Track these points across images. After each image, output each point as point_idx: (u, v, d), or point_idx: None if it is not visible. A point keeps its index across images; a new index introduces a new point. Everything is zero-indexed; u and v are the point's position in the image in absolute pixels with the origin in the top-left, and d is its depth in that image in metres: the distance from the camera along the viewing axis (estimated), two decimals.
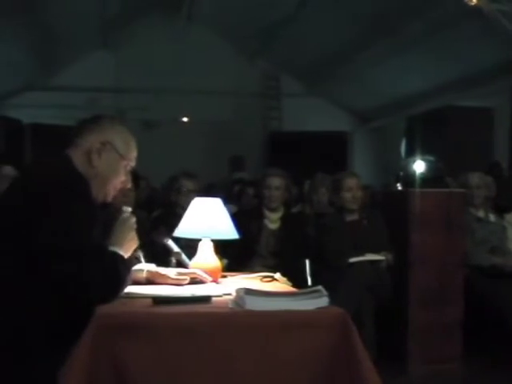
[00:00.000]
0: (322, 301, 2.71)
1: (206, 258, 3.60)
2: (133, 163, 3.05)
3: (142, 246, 3.32)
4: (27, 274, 2.61)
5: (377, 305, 5.58)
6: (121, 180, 3.02)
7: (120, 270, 2.72)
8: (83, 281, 2.58)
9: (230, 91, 13.16)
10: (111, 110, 11.71)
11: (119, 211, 3.12)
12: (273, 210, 5.92)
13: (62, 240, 2.57)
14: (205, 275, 3.46)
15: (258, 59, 13.98)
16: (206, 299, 2.84)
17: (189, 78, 12.72)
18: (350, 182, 5.96)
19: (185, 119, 14.00)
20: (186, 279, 3.39)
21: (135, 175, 3.15)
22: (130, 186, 3.12)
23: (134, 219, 3.05)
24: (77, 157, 2.88)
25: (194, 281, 3.43)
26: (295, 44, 12.37)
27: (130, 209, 3.10)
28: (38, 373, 2.60)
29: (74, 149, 2.91)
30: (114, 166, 2.96)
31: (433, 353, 5.75)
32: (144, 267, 3.38)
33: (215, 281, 3.50)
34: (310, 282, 5.40)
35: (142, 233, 3.15)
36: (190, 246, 3.96)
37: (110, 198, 3.04)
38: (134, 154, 3.05)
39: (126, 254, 2.91)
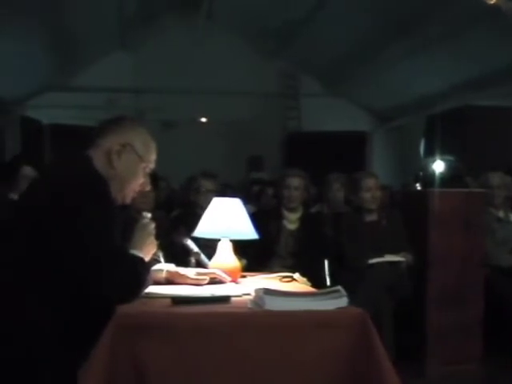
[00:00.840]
0: (342, 301, 2.71)
1: (225, 258, 3.61)
2: (152, 165, 3.05)
3: (162, 247, 3.32)
4: (48, 275, 2.62)
5: (396, 305, 5.57)
6: (139, 182, 3.03)
7: (140, 271, 2.73)
8: (103, 281, 2.60)
9: (248, 91, 13.14)
10: (130, 111, 11.72)
11: (138, 212, 3.13)
12: (291, 210, 5.91)
13: (82, 240, 2.58)
14: (224, 275, 3.47)
15: (276, 59, 13.96)
16: (225, 299, 2.84)
17: (207, 78, 12.73)
18: (369, 182, 5.95)
19: (203, 119, 14.00)
20: (205, 279, 3.39)
21: (154, 176, 3.15)
22: (149, 188, 3.12)
23: (153, 225, 3.06)
24: (97, 157, 2.88)
25: (214, 281, 3.43)
26: (314, 43, 12.35)
27: (149, 214, 3.11)
28: (58, 373, 2.61)
29: (94, 149, 2.91)
30: (134, 168, 2.97)
31: (452, 353, 5.73)
32: (163, 267, 3.38)
33: (234, 281, 3.50)
34: (328, 283, 5.40)
35: (161, 233, 3.15)
36: (209, 246, 3.97)
37: (128, 200, 3.04)
38: (153, 156, 3.05)
39: (146, 259, 2.92)
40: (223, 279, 3.45)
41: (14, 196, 5.51)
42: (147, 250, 2.96)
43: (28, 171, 5.59)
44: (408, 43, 10.03)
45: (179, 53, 12.95)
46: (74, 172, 2.80)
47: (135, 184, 3.01)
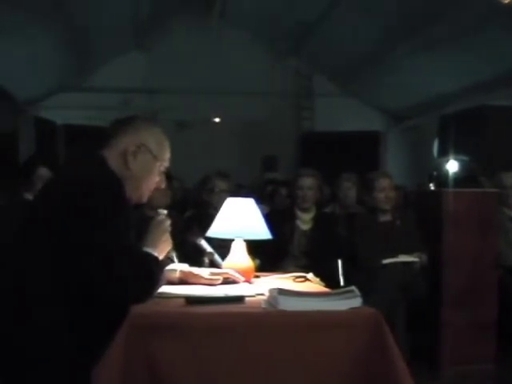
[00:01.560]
0: (356, 301, 2.71)
1: (239, 258, 3.61)
2: (167, 164, 3.06)
3: (175, 246, 3.33)
4: (62, 274, 2.63)
5: (410, 305, 5.56)
6: (155, 181, 3.04)
7: (154, 271, 2.74)
8: (118, 281, 2.60)
9: (262, 91, 13.14)
10: (144, 111, 11.75)
11: (154, 210, 3.14)
12: (305, 210, 5.91)
13: (97, 240, 2.59)
14: (238, 275, 3.47)
15: (290, 59, 13.95)
16: (239, 299, 2.84)
17: (221, 78, 12.73)
18: (383, 182, 5.94)
19: (217, 119, 14.00)
20: (218, 279, 3.40)
21: (168, 175, 3.16)
22: (164, 186, 3.12)
23: (168, 222, 3.07)
24: (111, 157, 2.89)
25: (227, 281, 3.44)
26: (328, 43, 12.34)
27: (165, 211, 3.12)
28: (72, 372, 2.62)
29: (108, 149, 2.92)
30: (149, 167, 2.97)
31: (466, 354, 5.72)
32: (177, 267, 3.39)
33: (248, 281, 3.50)
34: (342, 283, 5.40)
35: (174, 233, 3.16)
36: (222, 246, 3.97)
37: (144, 199, 3.06)
38: (167, 154, 3.06)
39: (160, 256, 2.93)
40: (237, 279, 3.46)
41: (29, 196, 5.53)
42: (162, 247, 2.97)
43: (43, 172, 5.60)
44: (421, 43, 10.01)
45: (193, 53, 12.96)
46: (88, 172, 2.81)
47: (151, 183, 3.02)
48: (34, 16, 8.99)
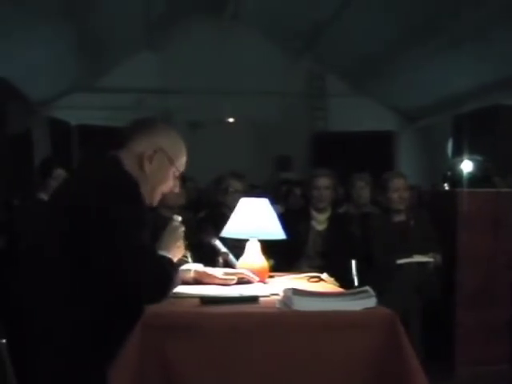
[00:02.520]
0: (370, 301, 2.71)
1: (254, 259, 3.61)
2: (182, 168, 3.05)
3: (190, 247, 3.33)
4: (77, 275, 2.64)
5: (424, 305, 5.55)
6: (169, 185, 3.03)
7: (169, 271, 2.74)
8: (133, 281, 2.60)
9: (275, 91, 13.14)
10: (157, 111, 11.75)
11: (170, 210, 3.14)
12: (320, 210, 5.90)
13: (113, 240, 2.59)
14: (252, 275, 3.47)
15: (302, 59, 13.95)
16: (253, 299, 2.85)
17: (234, 79, 12.75)
18: (397, 183, 5.92)
19: (230, 120, 14.02)
20: (233, 279, 3.40)
21: (182, 177, 3.15)
22: (178, 190, 3.12)
23: (182, 228, 3.07)
24: (127, 159, 2.88)
25: (242, 281, 3.44)
26: (340, 43, 12.34)
27: (180, 217, 3.12)
28: (87, 372, 2.62)
29: (124, 151, 2.91)
30: (164, 171, 2.97)
31: (480, 354, 5.71)
32: (191, 267, 3.40)
33: (262, 281, 3.50)
34: (356, 283, 5.39)
35: (188, 233, 3.16)
36: (237, 247, 3.98)
37: (155, 203, 3.05)
38: (183, 159, 3.05)
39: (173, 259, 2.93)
40: (251, 279, 3.46)
41: (44, 196, 5.55)
42: (175, 253, 2.97)
43: (60, 173, 5.62)
44: (435, 42, 10.00)
45: (206, 53, 12.98)
46: (104, 172, 2.81)
47: (164, 187, 3.01)
48: (47, 17, 9.02)
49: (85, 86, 13.00)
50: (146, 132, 2.95)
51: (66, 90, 12.75)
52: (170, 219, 3.11)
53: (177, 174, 3.03)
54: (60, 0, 9.07)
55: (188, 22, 13.24)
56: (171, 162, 2.97)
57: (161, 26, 12.60)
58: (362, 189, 7.02)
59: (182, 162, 3.05)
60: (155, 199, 3.02)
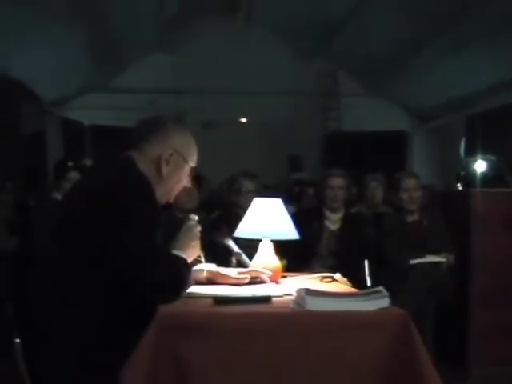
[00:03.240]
0: (383, 301, 2.71)
1: (267, 259, 3.61)
2: (194, 164, 3.07)
3: (203, 247, 3.34)
4: (91, 275, 2.65)
5: (437, 306, 5.54)
6: (184, 183, 3.05)
7: (183, 271, 2.74)
8: (147, 281, 2.61)
9: (287, 91, 13.14)
10: (170, 112, 11.77)
11: (183, 212, 3.14)
12: (334, 210, 5.89)
13: (126, 240, 2.60)
14: (265, 271, 3.46)
15: (315, 59, 13.94)
16: (266, 299, 2.85)
17: (246, 79, 12.75)
18: (408, 183, 5.92)
19: (243, 120, 14.03)
20: (246, 277, 3.40)
21: (198, 177, 3.17)
22: (190, 184, 3.13)
23: (198, 227, 3.07)
24: (141, 161, 2.88)
25: (255, 281, 3.44)
26: (352, 43, 12.31)
27: (196, 217, 3.12)
28: (100, 372, 2.63)
29: (138, 152, 2.91)
30: (179, 171, 2.98)
31: (494, 354, 5.69)
32: (205, 267, 3.40)
33: (275, 281, 3.50)
34: (369, 283, 5.39)
35: (202, 234, 3.16)
36: (250, 247, 3.98)
37: (171, 200, 3.07)
38: (195, 156, 3.07)
39: (188, 261, 2.93)
40: (264, 278, 3.45)
41: (58, 196, 5.57)
42: (190, 252, 2.98)
43: (74, 175, 5.64)
44: (447, 42, 9.97)
45: (218, 53, 12.99)
46: (117, 172, 2.81)
47: (180, 185, 3.04)
48: (60, 17, 9.05)
49: (98, 86, 13.03)
50: (160, 135, 2.95)
51: (79, 91, 12.78)
52: (187, 219, 3.11)
53: (189, 170, 3.04)
54: (73, 1, 9.10)
55: (201, 22, 13.24)
56: (185, 160, 2.99)
57: (173, 27, 12.61)
58: (376, 189, 7.02)
59: (194, 159, 3.06)
60: (170, 197, 3.05)
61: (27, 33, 8.75)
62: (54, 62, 10.21)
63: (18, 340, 2.66)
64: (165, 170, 2.91)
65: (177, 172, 2.97)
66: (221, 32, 13.06)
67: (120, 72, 13.40)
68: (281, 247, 3.85)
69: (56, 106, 12.31)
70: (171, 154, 2.92)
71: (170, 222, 3.20)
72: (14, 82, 9.96)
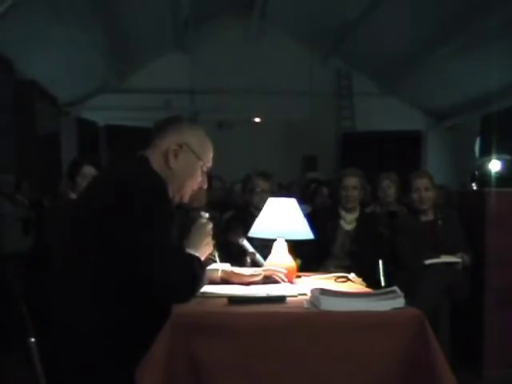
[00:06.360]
0: (398, 302, 2.70)
1: (281, 258, 3.60)
2: (209, 164, 3.07)
3: (217, 246, 3.34)
4: (106, 274, 2.65)
5: (453, 306, 5.52)
6: (198, 181, 3.05)
7: (197, 271, 2.74)
8: (161, 280, 2.61)
9: (302, 91, 13.16)
10: (186, 112, 11.82)
11: (193, 210, 3.14)
12: (349, 210, 5.87)
13: (141, 240, 2.60)
14: (279, 269, 3.46)
15: (330, 59, 13.95)
16: (281, 299, 2.85)
17: (261, 79, 12.77)
18: (418, 183, 5.89)
19: (258, 119, 14.04)
20: (260, 274, 3.40)
21: (208, 175, 3.16)
22: (206, 186, 3.13)
23: (210, 225, 3.07)
24: (154, 158, 2.90)
25: (269, 281, 3.44)
26: (367, 43, 12.32)
27: (207, 214, 3.12)
28: (115, 371, 2.64)
29: (151, 150, 2.94)
30: (191, 167, 2.98)
31: (510, 355, 5.66)
32: (219, 267, 3.40)
33: (290, 281, 3.50)
34: (383, 283, 5.37)
35: (215, 233, 3.16)
36: (264, 246, 3.97)
37: (186, 199, 3.06)
38: (210, 154, 3.07)
39: (201, 258, 2.93)
40: (278, 278, 3.44)
41: (74, 196, 5.58)
42: (203, 250, 2.97)
43: (89, 170, 5.63)
44: (462, 42, 9.96)
45: (234, 53, 13.02)
46: (132, 172, 2.82)
47: (194, 183, 3.03)
48: (75, 18, 9.09)
49: (113, 86, 13.09)
50: (170, 129, 2.98)
51: (94, 91, 12.85)
52: (198, 216, 3.11)
53: (205, 169, 3.04)
54: (89, 1, 9.14)
55: (216, 22, 13.29)
56: (198, 157, 2.99)
57: (189, 27, 12.64)
58: (389, 188, 7.00)
59: (209, 157, 3.06)
60: (185, 196, 3.04)
61: (43, 34, 8.79)
62: (69, 62, 10.26)
63: (33, 340, 2.66)
64: (173, 162, 2.92)
65: (188, 167, 2.97)
66: (236, 32, 13.10)
67: (135, 72, 13.46)
68: (295, 247, 3.85)
69: (71, 106, 12.38)
70: (180, 146, 2.93)
71: (183, 221, 3.19)
72: (30, 83, 10.01)
